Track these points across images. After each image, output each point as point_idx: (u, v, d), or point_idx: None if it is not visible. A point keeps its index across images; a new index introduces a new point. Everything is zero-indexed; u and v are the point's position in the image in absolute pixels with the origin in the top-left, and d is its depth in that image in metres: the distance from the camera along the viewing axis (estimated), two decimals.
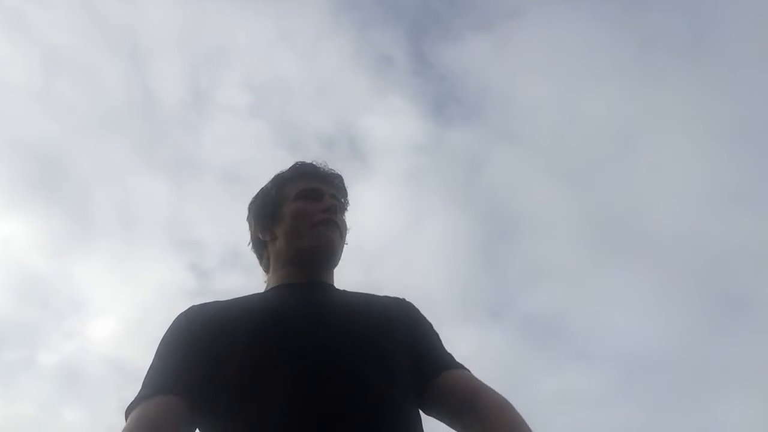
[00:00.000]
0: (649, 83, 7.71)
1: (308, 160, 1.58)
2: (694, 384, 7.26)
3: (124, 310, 7.79)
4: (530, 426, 1.20)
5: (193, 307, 1.37)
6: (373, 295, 1.47)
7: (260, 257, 1.55)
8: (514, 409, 1.24)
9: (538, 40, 7.94)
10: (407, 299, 1.50)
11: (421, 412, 1.31)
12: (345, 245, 1.55)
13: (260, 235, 1.53)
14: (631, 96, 7.85)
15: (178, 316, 1.35)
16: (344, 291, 1.48)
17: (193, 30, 7.72)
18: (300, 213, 1.46)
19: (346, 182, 1.60)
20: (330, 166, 1.58)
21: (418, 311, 1.47)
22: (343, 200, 1.56)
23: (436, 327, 1.47)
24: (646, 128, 7.76)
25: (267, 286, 1.50)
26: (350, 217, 1.58)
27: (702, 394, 7.20)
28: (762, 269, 7.15)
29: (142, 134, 7.48)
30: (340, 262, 1.54)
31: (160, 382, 1.22)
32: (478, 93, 8.00)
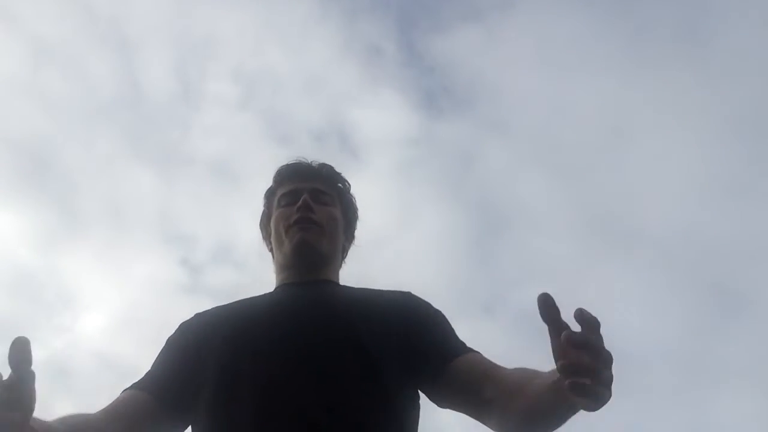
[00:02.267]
0: (641, 74, 7.65)
1: (291, 160, 1.57)
2: (689, 380, 7.24)
3: (114, 305, 7.70)
4: None
5: (195, 314, 1.43)
6: (374, 291, 1.44)
7: None
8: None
9: (529, 31, 7.86)
10: (413, 293, 1.44)
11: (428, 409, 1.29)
12: (350, 242, 1.56)
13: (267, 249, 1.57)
14: (624, 87, 7.78)
15: (181, 323, 1.42)
16: (345, 287, 1.48)
17: (180, 21, 7.60)
18: (278, 220, 1.48)
19: (336, 169, 1.57)
20: (312, 160, 1.57)
21: (424, 305, 1.42)
22: (328, 190, 1.52)
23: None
24: (639, 120, 7.71)
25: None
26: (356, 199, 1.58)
27: (698, 391, 7.18)
28: (758, 263, 7.12)
29: (130, 126, 7.37)
30: (342, 259, 1.55)
31: (143, 378, 1.32)
32: (469, 85, 7.91)
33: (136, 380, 1.32)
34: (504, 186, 8.01)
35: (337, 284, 1.49)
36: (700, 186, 7.66)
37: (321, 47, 7.67)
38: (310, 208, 1.44)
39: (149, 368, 1.35)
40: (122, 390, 1.29)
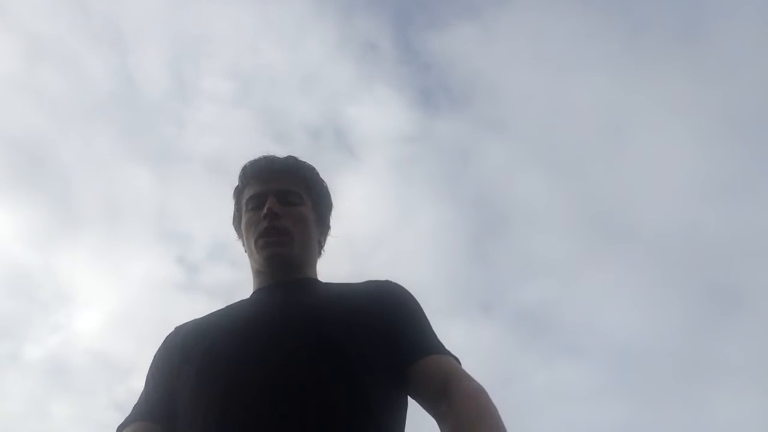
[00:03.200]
0: (639, 71, 7.67)
1: (255, 157, 1.52)
2: (686, 378, 7.25)
3: (110, 303, 7.71)
4: (502, 415, 1.15)
5: (175, 328, 1.43)
6: (352, 285, 1.43)
7: None
8: (486, 396, 1.18)
9: (525, 28, 7.88)
10: (393, 281, 1.44)
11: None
12: (325, 233, 1.54)
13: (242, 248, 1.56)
14: (621, 85, 7.81)
15: (164, 339, 1.43)
16: (322, 285, 1.47)
17: (176, 18, 7.59)
18: (247, 227, 1.47)
19: (301, 159, 1.53)
20: (277, 156, 1.52)
21: (402, 293, 1.41)
22: (295, 188, 1.48)
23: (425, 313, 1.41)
24: (636, 117, 7.72)
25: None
26: (331, 188, 1.56)
27: (695, 388, 7.19)
28: (755, 261, 7.12)
29: (125, 124, 7.37)
30: (319, 251, 1.53)
31: (140, 408, 1.32)
32: (466, 82, 7.92)
33: (134, 411, 1.32)
34: (501, 184, 8.01)
35: (314, 281, 1.48)
36: (697, 184, 7.67)
37: (317, 44, 7.67)
38: (275, 216, 1.41)
39: (145, 392, 1.35)
40: (125, 421, 1.30)
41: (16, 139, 7.10)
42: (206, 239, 7.26)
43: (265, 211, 1.41)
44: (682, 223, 7.60)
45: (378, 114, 7.97)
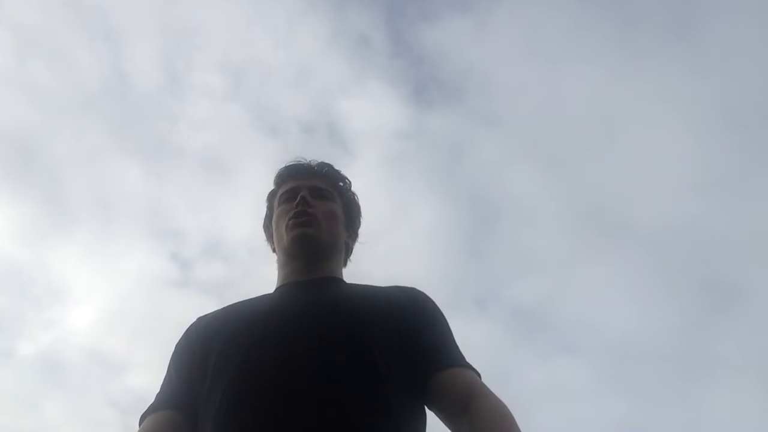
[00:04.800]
0: (633, 65, 7.63)
1: (290, 161, 1.60)
2: (683, 374, 7.23)
3: (103, 299, 7.64)
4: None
5: (197, 318, 1.44)
6: (378, 288, 1.44)
7: None
8: (511, 419, 1.16)
9: (518, 21, 7.82)
10: (418, 289, 1.45)
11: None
12: (353, 239, 1.58)
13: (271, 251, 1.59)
14: (616, 78, 7.76)
15: (186, 329, 1.43)
16: (347, 285, 1.47)
17: (167, 11, 7.51)
18: (279, 218, 1.51)
19: (336, 167, 1.60)
20: (310, 158, 1.60)
21: (428, 302, 1.43)
22: (328, 187, 1.55)
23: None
24: (631, 112, 7.68)
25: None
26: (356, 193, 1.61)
27: (691, 385, 7.17)
28: (751, 257, 7.11)
29: (117, 118, 7.29)
30: (345, 260, 1.57)
31: (162, 396, 1.32)
32: (459, 76, 7.86)
33: (157, 400, 1.31)
34: (495, 179, 7.97)
35: (340, 281, 1.48)
36: (693, 178, 7.64)
37: (309, 38, 7.60)
38: (307, 203, 1.46)
39: (167, 381, 1.35)
40: (148, 409, 1.29)
41: (6, 133, 7.03)
42: (200, 235, 7.22)
43: (298, 199, 1.47)
44: (678, 219, 7.57)
45: (371, 108, 7.92)
